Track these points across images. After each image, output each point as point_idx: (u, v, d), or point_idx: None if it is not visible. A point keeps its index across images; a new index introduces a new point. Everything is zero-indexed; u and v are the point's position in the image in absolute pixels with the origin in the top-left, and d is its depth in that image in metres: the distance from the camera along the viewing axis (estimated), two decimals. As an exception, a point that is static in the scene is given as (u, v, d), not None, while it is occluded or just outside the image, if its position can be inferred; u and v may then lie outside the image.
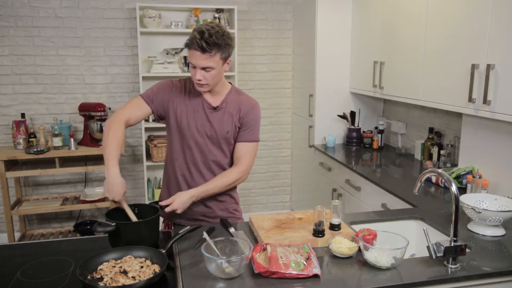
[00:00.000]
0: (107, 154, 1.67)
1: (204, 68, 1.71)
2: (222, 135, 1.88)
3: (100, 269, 1.39)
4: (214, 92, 1.87)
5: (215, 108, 1.87)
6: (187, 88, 1.90)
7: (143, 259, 1.45)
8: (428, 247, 1.43)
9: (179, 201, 1.74)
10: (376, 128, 3.55)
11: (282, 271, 1.34)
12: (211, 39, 1.65)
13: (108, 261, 1.43)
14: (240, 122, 1.89)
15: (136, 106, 1.83)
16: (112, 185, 1.62)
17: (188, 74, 3.84)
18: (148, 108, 1.84)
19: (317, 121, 3.69)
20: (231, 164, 1.95)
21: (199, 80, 1.73)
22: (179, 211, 1.75)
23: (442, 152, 2.80)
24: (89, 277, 1.35)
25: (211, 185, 1.84)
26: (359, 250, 1.49)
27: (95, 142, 3.58)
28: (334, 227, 1.65)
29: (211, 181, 1.86)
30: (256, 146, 1.94)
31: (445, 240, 1.46)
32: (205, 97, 1.88)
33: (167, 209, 1.72)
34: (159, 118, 1.92)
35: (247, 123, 1.89)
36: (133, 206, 1.68)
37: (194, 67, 1.72)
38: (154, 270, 1.38)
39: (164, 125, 3.77)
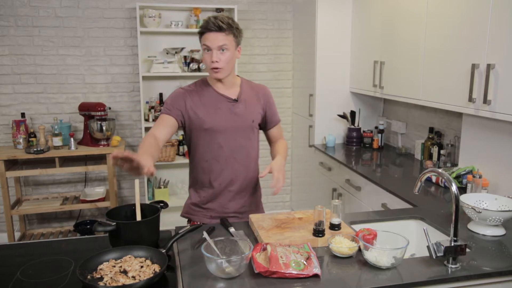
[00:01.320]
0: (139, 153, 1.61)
1: (220, 48, 1.77)
2: (248, 125, 1.93)
3: (100, 269, 1.39)
4: (229, 84, 1.91)
5: (236, 100, 1.91)
6: (200, 89, 1.91)
7: (143, 258, 1.45)
8: (428, 247, 1.43)
9: (279, 167, 1.78)
10: (376, 128, 3.55)
11: (282, 271, 1.34)
12: (225, 20, 1.78)
13: (108, 260, 1.43)
14: (263, 109, 1.99)
15: (159, 122, 1.86)
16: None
17: (188, 74, 3.84)
18: (171, 118, 1.86)
19: (317, 121, 3.69)
20: (258, 151, 2.03)
21: (216, 61, 1.77)
22: (284, 181, 1.76)
23: (442, 152, 2.80)
24: (89, 277, 1.35)
25: (283, 153, 1.95)
26: (359, 250, 1.49)
27: (95, 141, 3.58)
28: (334, 227, 1.65)
29: (280, 148, 1.98)
30: (281, 126, 2.12)
31: (445, 240, 1.46)
32: (221, 92, 1.90)
33: (277, 187, 1.70)
34: (182, 126, 1.93)
35: (270, 108, 2.02)
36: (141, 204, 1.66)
37: (209, 50, 1.78)
38: (154, 270, 1.38)
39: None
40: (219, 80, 1.88)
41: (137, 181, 1.65)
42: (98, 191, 3.86)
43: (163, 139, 1.82)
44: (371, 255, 1.43)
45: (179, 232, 1.56)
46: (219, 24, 1.75)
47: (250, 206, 2.02)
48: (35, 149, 3.35)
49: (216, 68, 1.80)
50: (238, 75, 2.00)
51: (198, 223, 1.98)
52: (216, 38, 1.76)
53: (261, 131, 2.07)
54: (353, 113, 3.60)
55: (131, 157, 1.44)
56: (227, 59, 1.80)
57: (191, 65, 3.82)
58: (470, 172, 2.36)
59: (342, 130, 3.73)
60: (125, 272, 1.37)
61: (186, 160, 3.83)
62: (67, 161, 3.62)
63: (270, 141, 2.12)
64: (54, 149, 3.47)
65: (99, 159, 3.68)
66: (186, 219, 2.06)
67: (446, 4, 2.37)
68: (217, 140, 1.89)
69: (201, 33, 1.81)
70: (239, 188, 1.96)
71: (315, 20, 3.54)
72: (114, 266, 1.40)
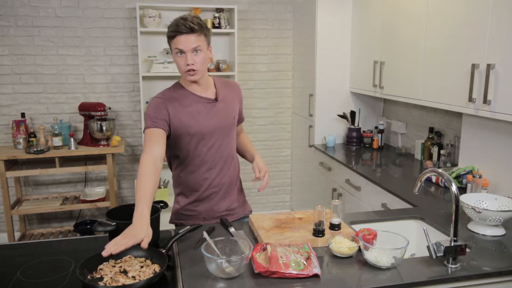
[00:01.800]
0: (138, 197, 1.53)
1: (194, 50, 1.73)
2: (231, 123, 1.93)
3: (100, 269, 1.39)
4: (204, 85, 1.87)
5: (216, 100, 1.89)
6: (178, 94, 1.85)
7: (143, 258, 1.45)
8: (428, 247, 1.43)
9: (265, 167, 1.98)
10: (376, 127, 3.55)
11: (282, 271, 1.34)
12: (195, 20, 1.73)
13: (108, 260, 1.43)
14: (239, 105, 2.02)
15: (151, 139, 1.72)
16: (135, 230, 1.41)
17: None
18: (159, 131, 1.74)
19: (317, 121, 3.69)
20: (235, 148, 2.04)
21: (191, 64, 1.73)
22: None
23: (442, 152, 2.80)
24: (89, 277, 1.35)
25: (253, 149, 2.11)
26: (359, 250, 1.49)
27: (95, 141, 3.58)
28: (334, 227, 1.65)
29: (251, 146, 2.11)
30: None
31: (445, 240, 1.46)
32: (200, 94, 1.86)
33: (261, 187, 1.89)
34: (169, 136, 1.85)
35: (241, 104, 2.06)
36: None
37: (182, 53, 1.74)
38: (154, 270, 1.38)
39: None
40: (195, 82, 1.84)
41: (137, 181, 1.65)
42: (98, 191, 3.86)
43: (161, 156, 1.69)
44: (371, 255, 1.43)
45: (179, 232, 1.56)
46: (190, 25, 1.70)
47: (239, 201, 2.03)
48: (35, 149, 3.35)
49: (192, 71, 1.75)
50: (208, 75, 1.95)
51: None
52: (188, 40, 1.72)
53: None
54: (353, 113, 3.61)
55: (130, 245, 1.35)
56: (201, 60, 1.76)
57: (191, 65, 3.82)
58: (470, 172, 2.36)
59: (342, 130, 3.73)
60: (125, 272, 1.37)
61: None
62: (67, 161, 3.62)
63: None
64: (54, 149, 3.47)
65: (99, 159, 3.68)
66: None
67: (446, 4, 2.37)
68: (204, 142, 1.86)
69: (171, 37, 1.75)
70: (228, 186, 1.96)
71: (315, 20, 3.54)
72: (114, 266, 1.40)
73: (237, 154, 2.08)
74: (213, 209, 1.94)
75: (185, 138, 1.84)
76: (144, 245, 1.36)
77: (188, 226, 1.60)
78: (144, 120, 1.91)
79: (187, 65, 1.74)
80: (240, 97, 2.03)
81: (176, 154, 1.90)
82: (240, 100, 2.03)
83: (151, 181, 1.58)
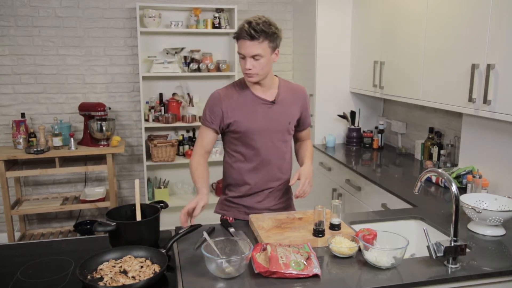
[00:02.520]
0: (197, 186, 1.80)
1: (253, 57, 1.74)
2: (284, 127, 1.92)
3: (100, 269, 1.39)
4: (266, 86, 1.89)
5: (273, 102, 1.89)
6: (237, 91, 1.90)
7: (143, 259, 1.45)
8: (428, 247, 1.43)
9: (307, 173, 1.89)
10: (376, 128, 3.55)
11: (282, 271, 1.34)
12: (258, 27, 1.71)
13: (108, 261, 1.43)
14: (300, 111, 1.98)
15: (204, 136, 1.91)
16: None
17: (188, 74, 3.84)
18: (211, 132, 1.90)
19: (317, 121, 3.69)
20: (291, 152, 2.04)
21: (249, 69, 1.76)
22: (312, 185, 1.88)
23: (442, 152, 2.80)
24: (89, 277, 1.35)
25: (311, 156, 2.04)
26: (359, 250, 1.49)
27: (95, 141, 3.58)
28: (334, 227, 1.65)
29: (308, 152, 2.05)
30: None
31: (445, 240, 1.46)
32: (258, 94, 1.88)
33: (301, 194, 1.83)
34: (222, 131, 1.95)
35: (306, 110, 2.01)
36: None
37: (244, 57, 1.77)
38: (154, 270, 1.38)
39: (164, 125, 3.79)
40: (256, 82, 1.87)
41: (137, 181, 1.65)
42: (98, 191, 3.86)
43: (209, 150, 1.93)
44: (371, 255, 1.43)
45: (179, 232, 1.56)
46: (251, 32, 1.71)
47: (283, 204, 2.05)
48: (35, 149, 3.35)
49: (250, 74, 1.79)
50: (276, 75, 1.97)
51: (231, 219, 1.99)
52: (249, 47, 1.73)
53: None
54: (353, 113, 3.60)
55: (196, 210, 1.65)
56: (261, 65, 1.77)
57: (191, 65, 3.82)
58: (470, 172, 2.36)
59: (342, 130, 3.73)
60: (125, 272, 1.37)
61: (186, 160, 3.83)
62: (67, 161, 3.62)
63: (296, 140, 2.14)
64: (54, 149, 3.47)
65: (99, 159, 3.68)
66: (220, 215, 2.06)
67: (446, 4, 2.37)
68: (253, 142, 1.89)
69: (236, 38, 1.79)
70: (274, 189, 1.98)
71: (315, 20, 3.54)
72: (114, 266, 1.40)
73: (292, 159, 2.06)
74: (255, 206, 1.97)
75: (235, 135, 1.90)
76: (198, 210, 1.64)
77: (188, 226, 1.60)
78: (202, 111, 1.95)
79: (246, 68, 1.77)
80: (304, 103, 1.99)
81: (228, 146, 1.97)
82: (303, 105, 1.98)
83: (202, 167, 1.86)
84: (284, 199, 2.06)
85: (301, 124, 2.03)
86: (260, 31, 1.71)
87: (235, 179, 1.98)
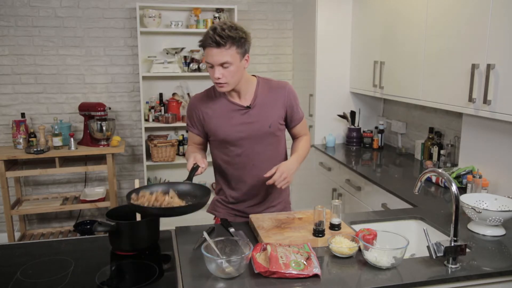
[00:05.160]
0: (188, 156, 1.83)
1: (222, 65, 1.65)
2: (265, 131, 1.83)
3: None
4: (241, 91, 1.80)
5: (248, 107, 1.81)
6: (212, 98, 1.85)
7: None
8: (428, 247, 1.43)
9: (285, 168, 1.72)
10: (376, 128, 3.55)
11: (282, 271, 1.34)
12: (224, 33, 1.62)
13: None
14: (284, 108, 1.86)
15: (191, 140, 1.95)
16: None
17: (188, 74, 3.84)
18: (196, 136, 1.91)
19: (317, 121, 3.69)
20: (283, 153, 1.96)
21: (218, 78, 1.68)
22: (290, 180, 1.73)
23: (442, 152, 2.80)
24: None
25: (301, 151, 1.89)
26: (359, 250, 1.49)
27: (95, 141, 3.58)
28: (334, 227, 1.65)
29: (299, 147, 1.91)
30: (305, 120, 1.99)
31: (445, 240, 1.46)
32: (234, 100, 1.82)
33: (270, 182, 1.70)
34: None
35: (291, 106, 1.87)
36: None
37: (212, 66, 1.68)
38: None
39: (164, 125, 3.79)
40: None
41: (137, 181, 1.66)
42: (98, 191, 3.86)
43: (203, 148, 1.96)
44: (371, 255, 1.43)
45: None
46: (217, 39, 1.61)
47: (275, 208, 1.99)
48: (35, 149, 3.35)
49: (220, 84, 1.71)
50: (254, 75, 1.87)
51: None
52: (216, 55, 1.63)
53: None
54: (353, 113, 3.60)
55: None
56: (230, 73, 1.68)
57: (191, 65, 3.82)
58: (470, 172, 2.36)
59: (342, 130, 3.73)
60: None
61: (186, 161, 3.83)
62: (67, 161, 3.62)
63: (293, 137, 2.01)
64: (54, 149, 3.47)
65: (99, 159, 3.68)
66: (213, 216, 2.05)
67: (446, 4, 2.37)
68: (233, 149, 1.84)
69: (202, 46, 1.70)
70: (264, 193, 1.93)
71: (315, 20, 3.54)
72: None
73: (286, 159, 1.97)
74: (246, 210, 1.94)
75: (215, 142, 1.88)
76: (199, 161, 1.75)
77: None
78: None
79: (215, 78, 1.69)
80: (287, 99, 1.85)
81: (212, 153, 1.95)
82: (287, 102, 1.85)
83: (195, 149, 1.90)
84: (277, 202, 1.99)
85: (290, 121, 1.90)
86: (226, 36, 1.61)
87: (222, 185, 1.96)
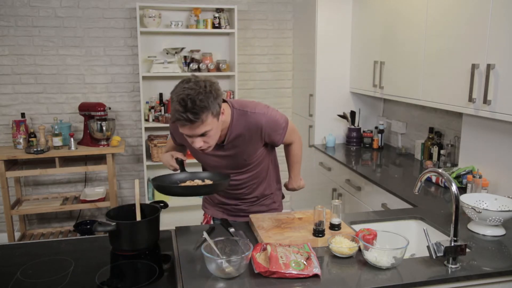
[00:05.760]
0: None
1: (201, 135, 1.53)
2: (241, 164, 1.78)
3: None
4: None
5: (222, 146, 1.72)
6: None
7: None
8: (428, 247, 1.43)
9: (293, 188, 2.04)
10: (376, 128, 3.55)
11: (282, 271, 1.34)
12: (196, 107, 1.44)
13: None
14: (262, 142, 1.75)
15: (168, 144, 1.97)
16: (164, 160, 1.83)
17: (188, 74, 3.83)
18: (172, 142, 1.94)
19: (317, 121, 3.69)
20: (266, 172, 1.91)
21: (201, 147, 1.56)
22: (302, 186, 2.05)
23: (442, 152, 2.80)
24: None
25: (296, 169, 2.01)
26: (359, 250, 1.49)
27: (95, 141, 3.58)
28: (334, 227, 1.65)
29: (292, 166, 2.00)
30: (292, 127, 1.82)
31: (445, 240, 1.46)
32: None
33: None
34: None
35: (268, 137, 1.73)
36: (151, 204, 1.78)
37: (190, 137, 1.55)
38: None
39: (164, 125, 3.79)
40: None
41: (137, 181, 1.65)
42: (98, 191, 3.86)
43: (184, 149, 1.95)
44: (371, 255, 1.43)
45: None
46: (190, 118, 1.44)
47: (265, 208, 1.99)
48: (35, 149, 3.35)
49: (204, 149, 1.60)
50: (226, 101, 1.68)
51: (210, 216, 2.01)
52: (193, 130, 1.49)
53: None
54: (353, 113, 3.60)
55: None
56: (212, 137, 1.55)
57: (191, 65, 3.82)
58: (470, 172, 2.36)
59: (342, 130, 3.73)
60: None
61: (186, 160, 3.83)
62: (67, 161, 3.62)
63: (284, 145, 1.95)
64: (54, 149, 3.47)
65: (99, 159, 3.68)
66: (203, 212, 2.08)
67: (446, 4, 2.37)
68: (215, 170, 1.84)
69: (173, 122, 1.51)
70: (249, 203, 1.95)
71: (315, 20, 3.54)
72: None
73: (271, 172, 1.96)
74: (231, 209, 1.97)
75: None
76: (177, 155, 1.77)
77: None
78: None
79: (197, 147, 1.57)
80: (262, 134, 1.70)
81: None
82: (262, 136, 1.71)
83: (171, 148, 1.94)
84: (266, 204, 1.99)
85: (274, 144, 1.81)
86: (200, 110, 1.44)
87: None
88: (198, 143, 1.54)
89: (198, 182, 1.71)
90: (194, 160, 1.94)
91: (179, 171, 1.76)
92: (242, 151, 1.73)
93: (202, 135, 1.52)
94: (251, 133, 1.70)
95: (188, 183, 1.71)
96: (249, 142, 1.72)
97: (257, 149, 1.76)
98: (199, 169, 2.01)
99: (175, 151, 1.87)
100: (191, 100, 1.43)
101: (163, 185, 1.66)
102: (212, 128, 1.52)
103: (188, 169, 1.78)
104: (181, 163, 1.77)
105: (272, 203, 2.02)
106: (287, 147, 1.96)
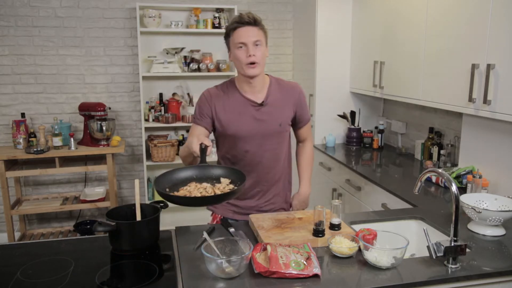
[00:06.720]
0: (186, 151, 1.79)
1: (255, 43, 1.73)
2: (274, 129, 1.86)
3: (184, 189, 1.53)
4: (257, 87, 1.83)
5: (261, 104, 1.83)
6: (226, 92, 1.86)
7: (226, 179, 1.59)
8: (428, 247, 1.43)
9: (301, 202, 2.07)
10: (376, 128, 3.55)
11: (282, 271, 1.34)
12: (257, 16, 1.76)
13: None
14: (294, 110, 1.91)
15: (193, 131, 1.86)
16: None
17: (188, 74, 3.84)
18: (201, 128, 1.84)
19: (317, 121, 3.69)
20: (288, 151, 1.99)
21: (253, 55, 1.72)
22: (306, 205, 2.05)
23: (442, 152, 2.80)
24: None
25: (309, 172, 2.07)
26: (359, 250, 1.49)
27: (95, 141, 3.58)
28: (334, 227, 1.65)
29: (305, 168, 2.08)
30: (310, 122, 2.05)
31: (445, 240, 1.46)
32: (248, 95, 1.84)
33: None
34: (213, 130, 1.91)
35: (301, 107, 1.93)
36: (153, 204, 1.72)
37: (243, 46, 1.73)
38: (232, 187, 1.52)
39: (164, 125, 3.79)
40: (248, 82, 1.80)
41: (137, 181, 1.65)
42: (98, 191, 3.86)
43: None
44: (371, 255, 1.43)
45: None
46: (254, 17, 1.73)
47: (276, 204, 2.00)
48: (35, 149, 3.35)
49: (253, 63, 1.73)
50: (267, 74, 1.91)
51: (220, 216, 1.98)
52: (251, 32, 1.72)
53: None
54: (353, 113, 3.60)
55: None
56: (262, 54, 1.75)
57: (191, 65, 3.82)
58: (470, 172, 2.36)
59: (342, 130, 3.73)
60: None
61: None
62: (67, 161, 3.62)
63: (297, 139, 2.09)
64: (54, 149, 3.47)
65: (99, 159, 3.68)
66: (210, 212, 2.06)
67: (446, 4, 2.37)
68: (241, 145, 1.85)
69: (232, 29, 1.74)
70: (265, 189, 1.95)
71: (315, 20, 3.54)
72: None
73: (290, 158, 2.03)
74: (245, 206, 1.95)
75: (224, 137, 1.88)
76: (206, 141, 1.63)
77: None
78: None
79: (249, 56, 1.72)
80: (297, 100, 1.91)
81: (218, 147, 1.96)
82: (297, 103, 1.91)
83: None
84: (278, 199, 2.01)
85: (298, 122, 1.97)
86: (259, 19, 1.75)
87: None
88: (252, 49, 1.71)
89: (205, 185, 1.55)
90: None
91: (199, 159, 1.63)
92: (278, 114, 1.85)
93: (256, 43, 1.73)
94: (288, 95, 1.88)
95: (194, 186, 1.55)
96: (284, 105, 1.87)
97: (289, 117, 1.90)
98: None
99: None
100: (251, 14, 1.75)
101: (168, 194, 1.49)
102: (263, 44, 1.76)
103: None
104: (203, 151, 1.62)
105: (283, 203, 2.04)
106: (303, 144, 2.08)
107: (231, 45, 1.79)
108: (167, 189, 1.53)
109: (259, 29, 1.75)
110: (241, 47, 1.74)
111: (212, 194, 1.49)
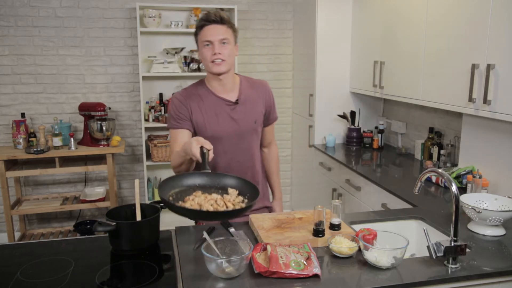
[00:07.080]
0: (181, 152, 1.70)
1: (222, 41, 1.74)
2: (250, 127, 1.88)
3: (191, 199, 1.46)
4: (228, 85, 1.84)
5: (236, 103, 1.84)
6: (198, 93, 1.84)
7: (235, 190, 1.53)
8: (428, 247, 1.43)
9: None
10: (376, 128, 3.55)
11: (282, 271, 1.34)
12: (224, 14, 1.76)
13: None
14: (265, 106, 1.94)
15: (176, 141, 1.79)
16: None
17: (188, 74, 3.84)
18: (184, 131, 1.80)
19: (317, 121, 3.69)
20: (258, 148, 2.00)
21: (218, 53, 1.73)
22: None
23: (442, 152, 2.80)
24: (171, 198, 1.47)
25: (279, 178, 2.13)
26: (359, 250, 1.49)
27: (95, 141, 3.58)
28: (334, 227, 1.65)
29: (276, 174, 2.12)
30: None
31: (445, 240, 1.46)
32: (220, 94, 1.84)
33: None
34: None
35: (269, 105, 1.96)
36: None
37: (209, 44, 1.74)
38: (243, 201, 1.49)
39: (164, 125, 3.79)
40: (219, 80, 1.81)
41: (137, 181, 1.65)
42: (98, 191, 3.86)
43: None
44: (371, 255, 1.43)
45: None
46: (221, 15, 1.73)
47: (258, 202, 1.95)
48: (35, 149, 3.35)
49: (219, 60, 1.74)
50: (236, 74, 1.93)
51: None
52: (217, 31, 1.73)
53: None
54: (353, 113, 3.60)
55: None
56: (229, 52, 1.76)
57: (191, 65, 3.82)
58: (470, 172, 2.36)
59: (342, 130, 3.73)
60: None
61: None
62: (67, 161, 3.62)
63: (262, 142, 2.04)
64: (54, 149, 3.47)
65: (99, 159, 3.68)
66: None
67: (446, 4, 2.37)
68: (219, 146, 1.83)
69: (200, 27, 1.76)
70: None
71: (315, 20, 3.54)
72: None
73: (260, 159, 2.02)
74: None
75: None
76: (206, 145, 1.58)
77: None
78: (166, 119, 1.89)
79: (214, 54, 1.73)
80: (267, 97, 1.94)
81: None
82: (267, 100, 1.94)
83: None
84: (258, 202, 1.97)
85: (266, 119, 1.97)
86: (226, 17, 1.76)
87: None
88: (217, 48, 1.72)
89: (215, 197, 1.45)
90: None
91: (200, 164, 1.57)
92: (252, 112, 1.87)
93: (223, 41, 1.73)
94: (259, 92, 1.91)
95: (203, 197, 1.45)
96: (256, 102, 1.89)
97: (261, 114, 1.92)
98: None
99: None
100: (218, 13, 1.75)
101: (179, 206, 1.40)
102: (230, 43, 1.76)
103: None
104: (204, 155, 1.53)
105: (266, 200, 2.08)
106: (268, 149, 2.09)
107: (198, 43, 1.80)
108: (171, 198, 1.46)
109: (227, 28, 1.75)
110: (207, 45, 1.75)
111: (224, 208, 1.41)
